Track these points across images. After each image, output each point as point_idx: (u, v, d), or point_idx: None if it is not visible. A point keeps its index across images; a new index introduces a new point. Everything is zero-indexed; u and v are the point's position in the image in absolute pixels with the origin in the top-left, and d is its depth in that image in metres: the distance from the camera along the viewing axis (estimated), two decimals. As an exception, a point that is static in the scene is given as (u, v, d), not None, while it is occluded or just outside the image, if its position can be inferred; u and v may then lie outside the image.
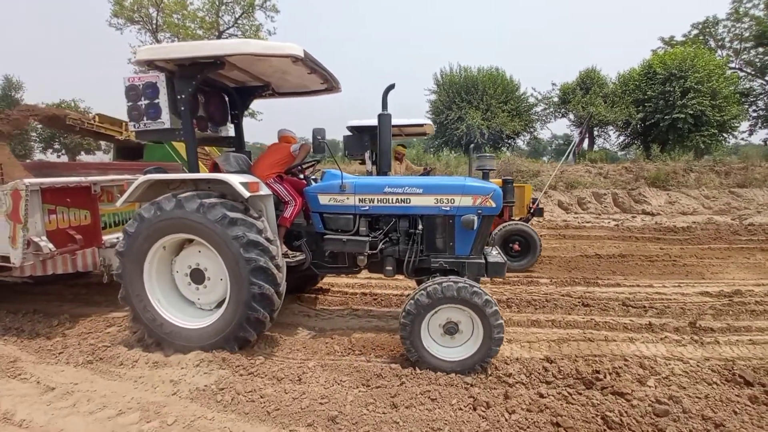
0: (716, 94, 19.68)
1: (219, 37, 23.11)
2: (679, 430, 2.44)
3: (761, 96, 24.66)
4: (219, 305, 3.66)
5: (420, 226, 3.73)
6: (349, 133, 6.49)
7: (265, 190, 3.76)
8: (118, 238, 4.37)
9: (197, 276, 3.66)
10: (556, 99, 24.68)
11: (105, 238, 4.59)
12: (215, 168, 4.38)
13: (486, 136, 22.29)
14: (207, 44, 3.54)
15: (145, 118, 3.67)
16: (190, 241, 3.66)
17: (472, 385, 3.02)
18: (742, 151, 21.19)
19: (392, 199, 3.73)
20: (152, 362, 3.36)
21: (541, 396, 2.80)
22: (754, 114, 24.99)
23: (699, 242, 8.79)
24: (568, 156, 7.62)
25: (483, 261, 3.69)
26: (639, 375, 3.11)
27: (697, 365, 3.26)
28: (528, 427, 2.51)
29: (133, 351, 3.55)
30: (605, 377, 3.05)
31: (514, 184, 6.87)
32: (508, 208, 6.92)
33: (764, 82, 24.16)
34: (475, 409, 2.71)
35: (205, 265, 3.63)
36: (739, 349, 3.69)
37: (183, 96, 3.58)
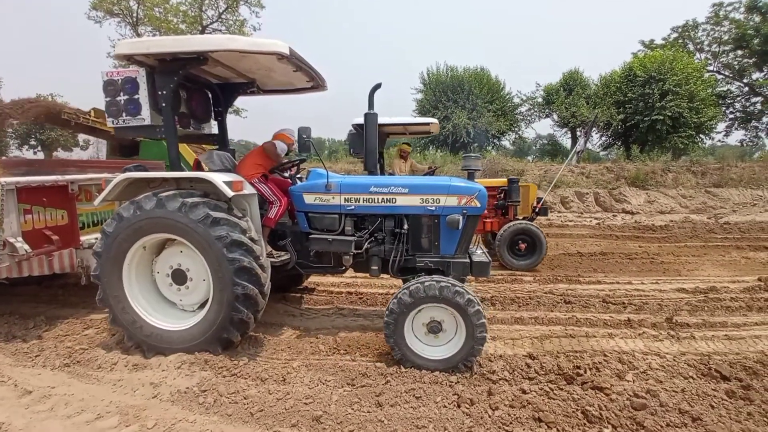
0: (694, 96, 20.23)
1: (202, 31, 22.69)
2: (656, 423, 2.51)
3: (738, 98, 25.50)
4: (201, 306, 3.61)
5: (406, 226, 3.74)
6: (353, 131, 6.45)
7: (249, 190, 3.71)
8: (96, 238, 4.25)
9: (179, 277, 3.59)
10: (540, 99, 25.05)
11: (83, 238, 4.47)
12: (198, 166, 4.31)
13: (472, 135, 22.48)
14: (190, 39, 3.46)
15: (124, 114, 3.56)
16: (172, 240, 3.59)
17: (456, 383, 3.04)
18: (718, 152, 21.91)
19: (378, 199, 3.73)
20: (131, 365, 3.29)
21: (524, 392, 2.85)
22: (731, 116, 25.78)
23: (676, 240, 9.06)
24: (572, 157, 7.79)
25: (468, 260, 3.72)
26: (618, 370, 3.19)
27: (674, 360, 3.36)
28: (511, 423, 2.55)
29: (112, 354, 3.47)
30: (585, 372, 3.12)
31: (519, 184, 6.96)
32: (513, 208, 7.01)
33: (741, 85, 24.96)
34: (459, 406, 2.73)
35: (187, 265, 3.57)
36: (714, 344, 3.81)
37: (164, 92, 3.50)
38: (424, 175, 7.03)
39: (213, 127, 4.65)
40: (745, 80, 24.51)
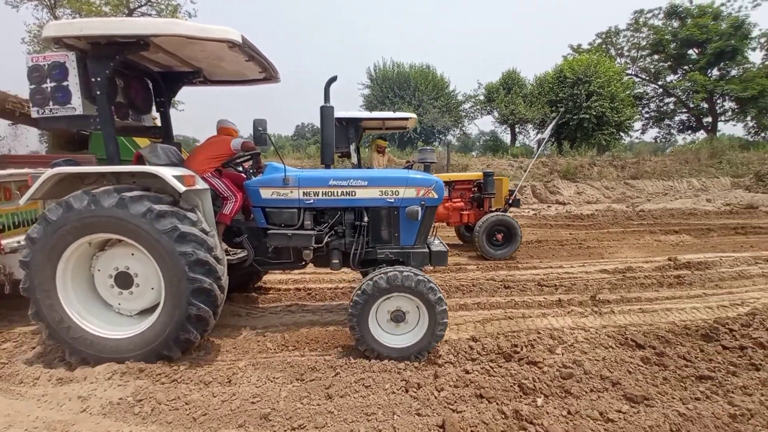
0: (614, 97, 22.30)
1: (129, 15, 20.87)
2: (582, 389, 2.77)
3: (653, 99, 28.46)
4: (141, 313, 3.37)
5: (366, 219, 3.73)
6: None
7: (201, 185, 3.50)
8: (19, 242, 3.85)
9: (123, 280, 3.32)
10: (482, 97, 26.23)
11: (4, 242, 3.99)
12: (140, 160, 3.99)
13: (418, 131, 22.99)
14: (129, 22, 3.14)
15: (51, 103, 3.21)
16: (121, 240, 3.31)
17: (404, 369, 3.14)
18: (635, 148, 24.34)
19: (337, 192, 3.69)
20: (56, 379, 3.01)
21: (467, 372, 3.01)
22: (647, 115, 28.75)
23: (600, 227, 9.97)
24: (538, 151, 8.31)
25: (427, 250, 3.79)
26: (549, 345, 3.47)
27: (596, 333, 3.72)
28: (455, 402, 2.68)
29: (33, 368, 3.17)
30: (522, 350, 3.36)
31: (494, 177, 7.23)
32: (488, 200, 7.27)
33: (656, 87, 27.87)
34: (407, 391, 2.83)
35: (136, 270, 3.30)
36: (630, 317, 4.27)
37: (98, 78, 3.18)
38: (403, 169, 7.08)
39: (154, 120, 4.33)
40: (659, 82, 27.40)
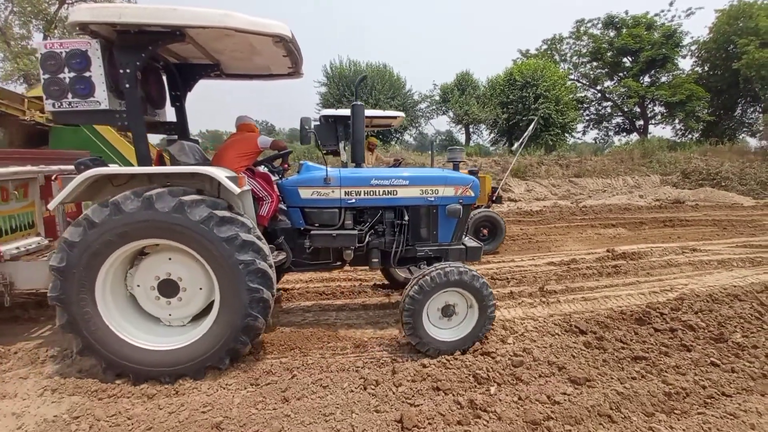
0: (559, 100, 23.70)
1: (63, 1, 19.07)
2: (531, 375, 2.91)
3: (592, 103, 30.52)
4: (193, 320, 3.20)
5: (406, 217, 3.75)
6: (318, 123, 6.21)
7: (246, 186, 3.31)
8: (18, 248, 3.51)
9: (168, 288, 3.08)
10: (437, 98, 26.83)
11: (2, 248, 3.54)
12: (161, 160, 3.66)
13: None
14: (179, 12, 2.84)
15: (69, 96, 2.90)
16: (154, 247, 3.08)
17: (362, 367, 3.14)
18: (578, 148, 25.96)
19: (379, 192, 3.69)
20: (-19, 397, 2.71)
21: (424, 366, 3.06)
22: (587, 117, 30.82)
23: (547, 222, 10.55)
24: (518, 149, 8.60)
25: (463, 247, 3.87)
26: (502, 335, 3.62)
27: (544, 321, 3.93)
28: (413, 396, 2.72)
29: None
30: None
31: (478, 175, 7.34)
32: None
33: (595, 92, 29.92)
34: (365, 389, 2.83)
35: (179, 274, 3.07)
36: (574, 306, 4.55)
37: (128, 70, 2.92)
38: (391, 167, 7.05)
39: (166, 115, 4.03)
40: (598, 87, 29.45)
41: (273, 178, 3.93)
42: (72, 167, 4.12)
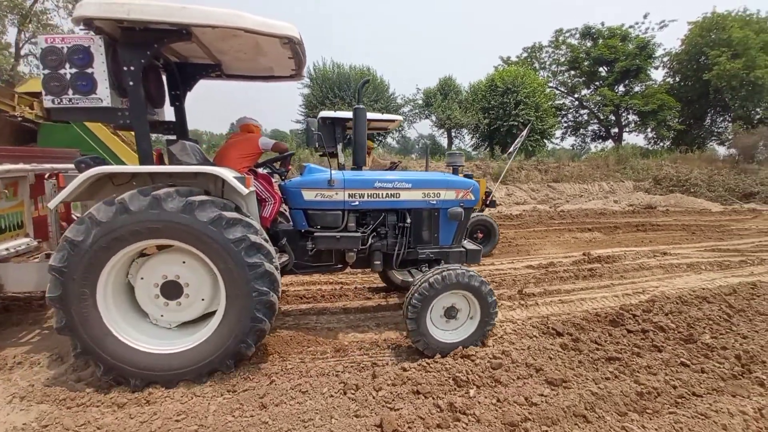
0: (539, 107, 24.26)
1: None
2: (510, 377, 2.95)
3: (570, 110, 31.38)
4: (182, 325, 3.16)
5: (408, 220, 3.78)
6: (318, 125, 6.09)
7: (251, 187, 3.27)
8: (8, 249, 3.39)
9: (171, 290, 3.02)
10: (420, 101, 27.07)
11: None
12: (161, 159, 3.57)
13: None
14: (190, 10, 2.82)
15: (70, 92, 2.84)
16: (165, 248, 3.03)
17: (342, 372, 3.11)
18: (557, 154, 26.64)
19: (382, 194, 3.71)
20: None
21: (405, 370, 3.05)
22: (565, 124, 31.65)
23: (527, 226, 10.76)
24: (512, 154, 8.72)
25: (463, 250, 3.93)
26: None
27: (522, 324, 3.99)
28: (393, 400, 2.71)
29: None
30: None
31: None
32: None
33: (573, 99, 30.77)
34: (345, 393, 2.80)
35: (187, 279, 3.02)
36: (552, 308, 4.64)
37: (132, 68, 2.88)
38: (387, 170, 7.04)
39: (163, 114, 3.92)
40: (575, 95, 30.30)
41: (274, 179, 3.94)
42: (63, 166, 4.07)
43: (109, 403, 2.72)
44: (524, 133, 8.88)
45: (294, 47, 3.16)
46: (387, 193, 3.75)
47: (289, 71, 3.96)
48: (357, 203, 3.70)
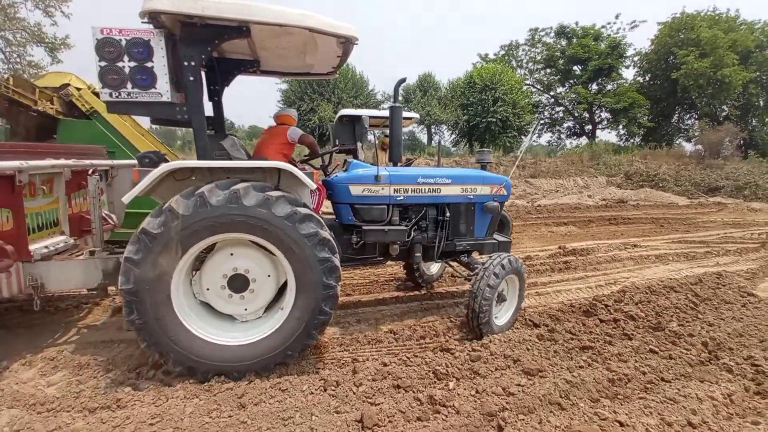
0: (516, 104, 24.71)
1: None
2: (488, 369, 3.00)
3: (546, 107, 32.11)
4: (266, 310, 3.22)
5: (447, 214, 3.97)
6: (336, 122, 6.23)
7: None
8: (47, 246, 3.27)
9: (238, 283, 3.06)
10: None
11: (32, 247, 3.22)
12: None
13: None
14: (262, 9, 2.80)
15: (129, 86, 2.80)
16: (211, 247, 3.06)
17: (322, 368, 3.11)
18: (533, 150, 27.19)
19: (425, 189, 3.87)
20: None
21: (385, 365, 3.06)
22: (542, 121, 32.35)
23: (506, 221, 10.94)
24: (523, 150, 8.79)
25: (496, 241, 4.22)
26: (462, 332, 3.70)
27: (501, 316, 4.06)
28: (374, 395, 2.71)
29: None
30: (436, 338, 3.53)
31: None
32: None
33: (549, 97, 31.46)
34: (325, 390, 2.78)
35: (245, 266, 3.06)
36: (529, 300, 4.75)
37: (192, 63, 2.86)
38: (403, 166, 7.05)
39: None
40: (551, 93, 30.98)
41: (318, 175, 4.00)
42: (103, 162, 4.11)
43: (79, 408, 2.62)
44: (534, 128, 9.08)
45: (347, 47, 3.24)
46: (429, 188, 3.91)
47: (328, 68, 4.06)
48: (402, 198, 3.83)
